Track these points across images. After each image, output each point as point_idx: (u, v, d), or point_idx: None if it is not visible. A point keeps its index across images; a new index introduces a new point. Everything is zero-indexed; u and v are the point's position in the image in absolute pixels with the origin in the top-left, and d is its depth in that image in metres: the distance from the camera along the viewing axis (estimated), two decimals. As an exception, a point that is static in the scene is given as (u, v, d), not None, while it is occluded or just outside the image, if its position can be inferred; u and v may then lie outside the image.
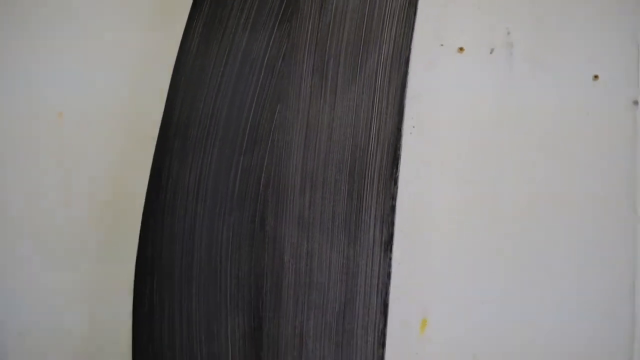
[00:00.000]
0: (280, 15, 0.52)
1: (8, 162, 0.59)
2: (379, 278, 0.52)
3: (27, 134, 0.60)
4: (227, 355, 0.53)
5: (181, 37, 0.53)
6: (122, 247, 0.58)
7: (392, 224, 0.52)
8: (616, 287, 0.56)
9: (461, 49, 0.56)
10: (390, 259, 0.52)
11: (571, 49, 0.55)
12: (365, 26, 0.51)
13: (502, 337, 0.58)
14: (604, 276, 0.56)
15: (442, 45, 0.56)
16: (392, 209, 0.52)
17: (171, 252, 0.54)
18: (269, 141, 0.52)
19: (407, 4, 0.52)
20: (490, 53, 0.56)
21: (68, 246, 0.60)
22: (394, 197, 0.52)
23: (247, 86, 0.51)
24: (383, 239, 0.52)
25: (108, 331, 0.59)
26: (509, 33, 0.56)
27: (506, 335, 0.58)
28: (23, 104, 0.60)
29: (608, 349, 0.55)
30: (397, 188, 0.52)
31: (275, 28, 0.52)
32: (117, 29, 0.59)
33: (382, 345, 0.53)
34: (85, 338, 0.60)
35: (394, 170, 0.51)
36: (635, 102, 0.55)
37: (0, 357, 0.61)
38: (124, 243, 0.57)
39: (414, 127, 0.56)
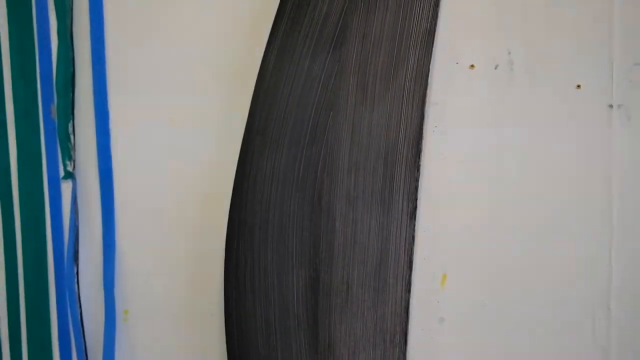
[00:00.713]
0: (333, 44, 0.69)
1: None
2: (406, 240, 0.69)
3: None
4: (293, 299, 0.72)
5: (261, 61, 0.72)
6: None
7: (416, 199, 0.69)
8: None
9: (472, 66, 0.72)
10: (414, 225, 0.69)
11: (558, 64, 0.71)
12: (395, 51, 0.69)
13: (509, 289, 0.74)
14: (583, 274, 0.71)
15: (457, 63, 0.72)
16: (416, 188, 0.69)
17: (252, 222, 0.72)
18: (325, 139, 0.70)
19: (427, 34, 0.69)
20: (495, 69, 0.72)
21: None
22: (417, 179, 0.69)
23: (309, 98, 0.69)
24: (409, 210, 0.69)
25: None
26: (509, 53, 0.72)
27: (513, 287, 0.74)
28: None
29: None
30: (419, 173, 0.69)
31: (330, 54, 0.69)
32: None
33: (408, 291, 0.70)
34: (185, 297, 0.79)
35: (417, 160, 0.68)
36: (610, 106, 0.70)
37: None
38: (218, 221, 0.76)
39: (436, 126, 0.73)
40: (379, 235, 0.69)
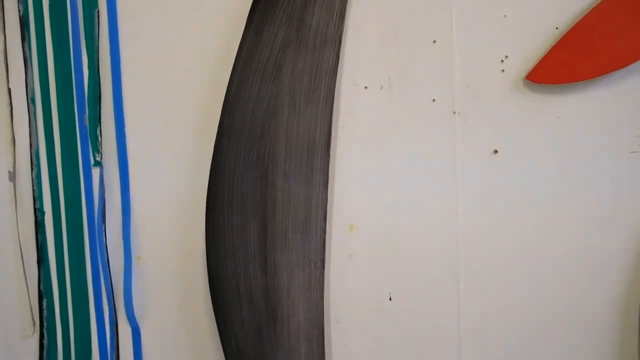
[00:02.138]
0: (272, 76, 1.06)
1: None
2: (321, 201, 1.06)
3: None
4: (250, 242, 1.08)
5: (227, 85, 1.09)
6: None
7: (327, 174, 1.06)
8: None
9: (366, 87, 1.09)
10: (327, 192, 1.07)
11: (419, 84, 1.08)
12: (313, 79, 1.05)
13: (403, 232, 1.12)
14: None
15: (356, 85, 1.10)
16: (327, 167, 1.06)
17: (222, 193, 1.09)
18: (269, 136, 1.07)
19: (333, 68, 1.06)
20: (381, 88, 1.09)
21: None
22: (328, 162, 1.06)
23: (258, 110, 1.06)
24: (323, 182, 1.06)
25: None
26: (389, 77, 1.09)
27: (406, 229, 1.11)
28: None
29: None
30: (329, 157, 1.07)
31: (271, 82, 1.06)
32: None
33: (324, 233, 1.08)
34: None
35: (328, 149, 1.06)
36: (453, 113, 1.08)
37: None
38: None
39: (344, 127, 1.10)
40: (305, 199, 1.07)
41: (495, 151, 1.06)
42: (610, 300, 1.05)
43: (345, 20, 1.07)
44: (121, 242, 1.19)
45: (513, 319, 1.08)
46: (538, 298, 1.07)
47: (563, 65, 1.03)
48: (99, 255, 1.19)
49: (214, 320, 1.13)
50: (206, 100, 1.12)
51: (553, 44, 1.02)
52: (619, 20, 1.00)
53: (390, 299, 1.12)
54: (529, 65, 1.04)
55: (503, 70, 1.05)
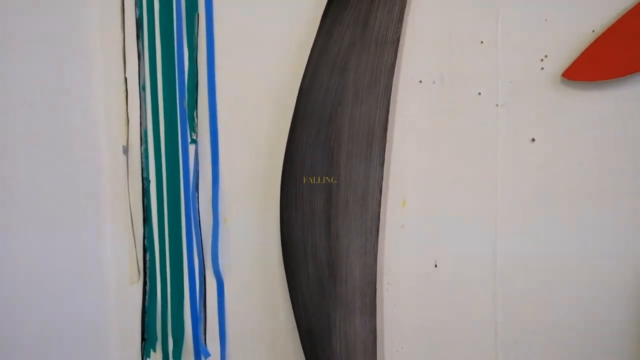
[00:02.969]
0: (340, 71, 1.26)
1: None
2: (377, 178, 1.25)
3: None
4: (317, 209, 1.29)
5: (301, 79, 1.29)
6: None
7: (384, 156, 1.24)
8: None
9: (420, 81, 1.26)
10: (383, 170, 1.25)
11: (466, 81, 1.24)
12: (374, 75, 1.24)
13: (449, 207, 1.28)
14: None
15: (411, 79, 1.27)
16: (384, 149, 1.24)
17: (296, 166, 1.30)
18: (335, 121, 1.26)
19: (391, 65, 1.24)
20: (433, 83, 1.26)
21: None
22: (384, 145, 1.25)
23: (327, 99, 1.26)
24: (380, 161, 1.25)
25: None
26: (441, 73, 1.25)
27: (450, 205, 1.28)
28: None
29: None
30: (386, 141, 1.25)
31: (339, 76, 1.26)
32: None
33: (379, 206, 1.26)
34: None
35: (384, 137, 1.24)
36: (497, 105, 1.23)
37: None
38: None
39: (400, 115, 1.28)
40: (364, 175, 1.26)
41: (533, 139, 1.20)
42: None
43: (404, 23, 1.24)
44: (210, 207, 1.42)
45: (544, 283, 1.22)
46: (567, 258, 1.21)
47: (597, 64, 1.15)
48: (192, 217, 1.43)
49: (285, 276, 1.34)
50: (284, 90, 1.33)
51: (588, 45, 1.15)
52: (651, 25, 1.12)
53: (435, 266, 1.29)
54: (566, 64, 1.17)
55: (542, 68, 1.19)
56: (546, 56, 1.18)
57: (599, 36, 1.15)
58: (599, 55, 1.15)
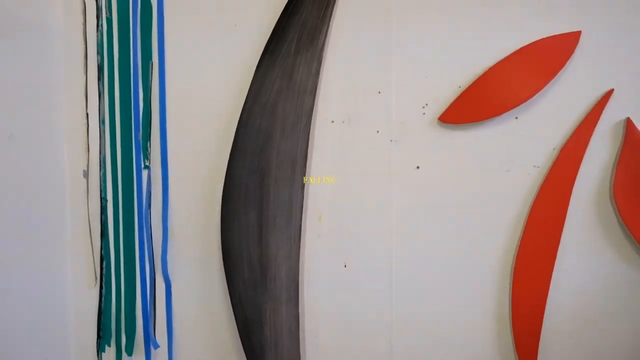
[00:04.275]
0: (269, 112, 1.59)
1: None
2: (298, 200, 1.59)
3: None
4: (250, 224, 1.61)
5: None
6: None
7: (303, 182, 1.59)
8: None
9: (332, 121, 1.62)
10: (303, 193, 1.59)
11: (367, 120, 1.60)
12: (296, 115, 1.59)
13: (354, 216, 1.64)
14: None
15: (325, 119, 1.62)
16: (303, 176, 1.59)
17: (233, 190, 1.62)
18: (266, 152, 1.60)
19: (310, 108, 1.59)
20: (342, 123, 1.62)
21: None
22: (304, 172, 1.59)
23: (260, 134, 1.59)
24: (300, 185, 1.59)
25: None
26: (349, 115, 1.61)
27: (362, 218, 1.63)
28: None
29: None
30: (305, 169, 1.59)
31: (268, 117, 1.59)
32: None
33: (300, 220, 1.60)
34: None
35: (305, 165, 1.58)
36: (391, 141, 1.60)
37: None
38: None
39: (317, 148, 1.62)
40: (289, 195, 1.59)
41: (418, 167, 1.58)
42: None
43: (320, 76, 1.59)
44: (160, 222, 1.71)
45: (431, 275, 1.59)
46: (442, 264, 1.58)
47: (463, 112, 1.55)
48: (144, 230, 1.71)
49: (225, 278, 1.65)
50: (224, 126, 1.64)
51: (456, 97, 1.54)
52: (500, 82, 1.53)
53: (345, 266, 1.63)
54: (441, 110, 1.56)
55: (424, 113, 1.57)
56: (427, 104, 1.57)
57: (464, 91, 1.54)
58: (464, 105, 1.55)
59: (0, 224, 1.49)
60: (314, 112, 1.60)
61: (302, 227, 1.62)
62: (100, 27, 1.71)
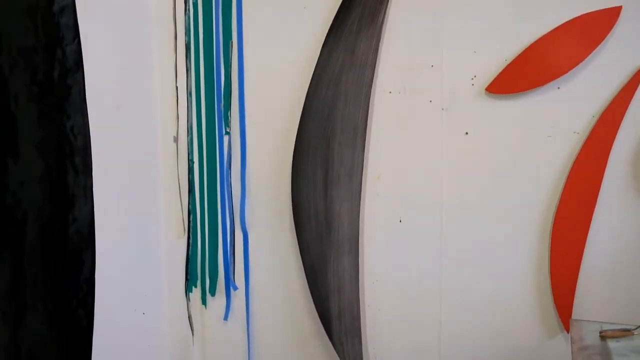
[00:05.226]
0: (334, 84, 1.81)
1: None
2: (359, 161, 1.80)
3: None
4: (317, 182, 1.84)
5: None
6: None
7: (364, 143, 1.79)
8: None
9: (390, 92, 1.82)
10: (363, 154, 1.80)
11: (421, 92, 1.79)
12: (357, 86, 1.79)
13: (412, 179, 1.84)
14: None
15: (383, 90, 1.82)
16: (364, 140, 1.80)
17: (302, 152, 1.85)
18: (331, 119, 1.81)
19: (370, 80, 1.79)
20: (399, 94, 1.81)
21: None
22: (365, 136, 1.80)
23: (325, 103, 1.81)
24: (361, 148, 1.80)
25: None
26: (404, 87, 1.81)
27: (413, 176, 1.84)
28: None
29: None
30: (366, 134, 1.80)
31: (333, 88, 1.81)
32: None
33: (361, 179, 1.82)
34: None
35: (365, 130, 1.79)
36: (442, 109, 1.78)
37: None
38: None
39: (376, 115, 1.83)
40: (351, 157, 1.80)
41: (467, 133, 1.76)
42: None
43: (379, 52, 1.79)
44: (239, 181, 1.97)
45: (478, 233, 1.78)
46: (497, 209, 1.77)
47: (509, 83, 1.71)
48: (225, 188, 1.97)
49: (294, 230, 1.89)
50: (295, 97, 1.87)
51: (502, 69, 1.71)
52: (543, 55, 1.68)
53: (400, 221, 1.85)
54: (488, 82, 1.73)
55: (473, 84, 1.75)
56: (475, 76, 1.74)
57: (509, 63, 1.71)
58: (510, 77, 1.71)
59: (104, 182, 1.75)
60: (373, 84, 1.80)
61: (363, 186, 1.84)
62: (187, 11, 1.96)
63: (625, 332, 1.39)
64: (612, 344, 1.35)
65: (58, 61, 1.38)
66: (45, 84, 1.34)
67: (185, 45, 1.97)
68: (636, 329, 1.40)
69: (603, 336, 1.38)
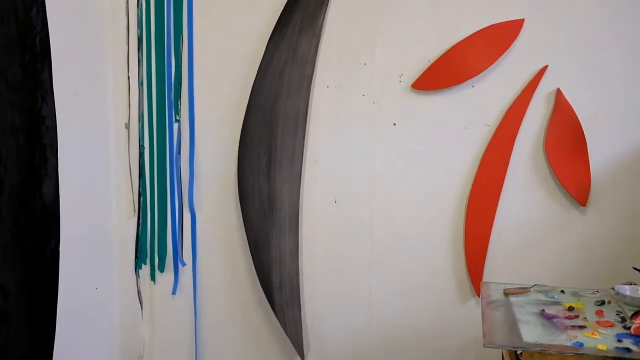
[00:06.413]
0: (278, 77, 2.01)
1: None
2: (300, 147, 2.01)
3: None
4: (262, 166, 2.03)
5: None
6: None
7: (304, 132, 2.01)
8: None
9: (327, 86, 2.03)
10: (303, 141, 2.01)
11: (355, 86, 2.02)
12: (299, 80, 2.00)
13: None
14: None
15: (322, 85, 2.04)
16: (304, 129, 2.01)
17: (247, 139, 2.04)
18: (274, 109, 2.01)
19: (310, 75, 2.00)
20: (335, 88, 2.03)
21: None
22: (305, 125, 2.01)
23: (269, 95, 2.01)
24: (302, 135, 2.00)
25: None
26: (340, 82, 2.03)
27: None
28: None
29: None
30: (305, 123, 2.01)
31: (277, 81, 2.01)
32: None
33: (301, 163, 2.03)
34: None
35: (305, 119, 2.00)
36: (373, 103, 2.02)
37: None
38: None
39: (315, 107, 2.04)
40: (292, 143, 2.01)
41: (394, 124, 2.01)
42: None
43: (318, 50, 2.00)
44: (188, 165, 2.13)
45: (404, 210, 2.03)
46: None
47: (430, 81, 1.97)
48: (174, 171, 2.13)
49: (240, 209, 2.08)
50: (242, 88, 2.06)
51: (425, 69, 1.96)
52: (460, 58, 1.95)
53: (335, 202, 2.07)
54: (414, 79, 1.98)
55: (400, 81, 1.99)
56: (402, 74, 1.99)
57: (432, 64, 1.96)
58: (432, 75, 1.97)
59: (61, 164, 1.86)
60: (313, 78, 2.01)
61: (302, 170, 2.04)
62: (140, 5, 2.10)
63: (524, 289, 1.67)
64: (513, 298, 1.62)
65: (29, 48, 1.50)
66: (18, 70, 1.47)
67: (138, 37, 2.11)
68: (532, 287, 1.69)
69: (506, 293, 1.65)
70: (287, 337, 2.08)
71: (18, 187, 1.50)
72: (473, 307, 2.00)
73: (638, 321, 1.37)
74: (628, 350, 1.28)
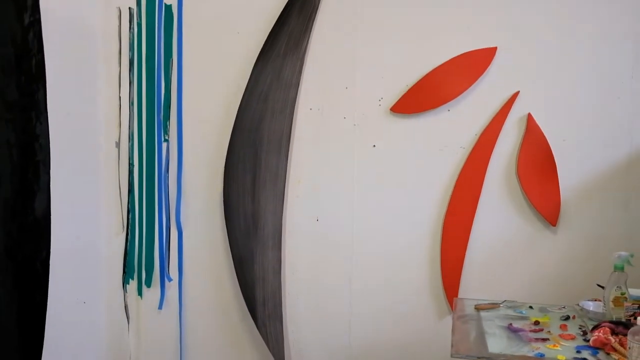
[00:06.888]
0: (263, 100, 2.10)
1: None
2: (283, 167, 2.10)
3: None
4: (246, 185, 2.11)
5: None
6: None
7: (288, 152, 2.09)
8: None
9: (310, 109, 2.12)
10: (287, 162, 2.10)
11: (338, 108, 2.12)
12: (283, 103, 2.09)
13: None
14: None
15: (305, 108, 2.13)
16: (288, 149, 2.09)
17: (233, 159, 2.12)
18: (259, 131, 2.10)
19: (294, 98, 2.09)
20: (318, 110, 2.12)
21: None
22: (288, 146, 2.09)
23: (255, 117, 2.09)
24: (285, 156, 2.09)
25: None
26: (322, 105, 2.12)
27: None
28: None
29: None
30: (289, 145, 2.09)
31: (261, 103, 2.10)
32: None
33: (285, 183, 2.11)
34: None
35: (289, 141, 2.09)
36: (353, 125, 2.11)
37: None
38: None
39: (298, 129, 2.13)
40: (276, 164, 2.09)
41: (374, 145, 2.10)
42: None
43: (302, 74, 2.10)
44: (176, 182, 2.21)
45: (384, 230, 2.11)
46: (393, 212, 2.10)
47: (408, 104, 2.07)
48: (162, 189, 2.21)
49: (225, 227, 2.15)
50: (228, 109, 2.14)
51: (404, 93, 2.06)
52: (436, 83, 2.04)
53: (317, 220, 2.15)
54: (392, 103, 2.07)
55: (380, 105, 2.09)
56: (382, 98, 2.08)
57: (410, 88, 2.06)
58: (410, 99, 2.07)
59: (54, 180, 1.94)
60: (296, 101, 2.10)
61: (285, 189, 2.13)
62: (132, 30, 2.19)
63: (494, 305, 1.75)
64: (483, 313, 1.70)
65: (25, 70, 1.59)
66: (14, 90, 1.56)
67: (129, 60, 2.20)
68: (502, 302, 1.76)
69: (477, 308, 1.73)
70: (269, 351, 2.14)
71: (12, 201, 1.57)
72: (449, 324, 2.07)
73: (597, 334, 1.45)
74: (585, 360, 1.36)
